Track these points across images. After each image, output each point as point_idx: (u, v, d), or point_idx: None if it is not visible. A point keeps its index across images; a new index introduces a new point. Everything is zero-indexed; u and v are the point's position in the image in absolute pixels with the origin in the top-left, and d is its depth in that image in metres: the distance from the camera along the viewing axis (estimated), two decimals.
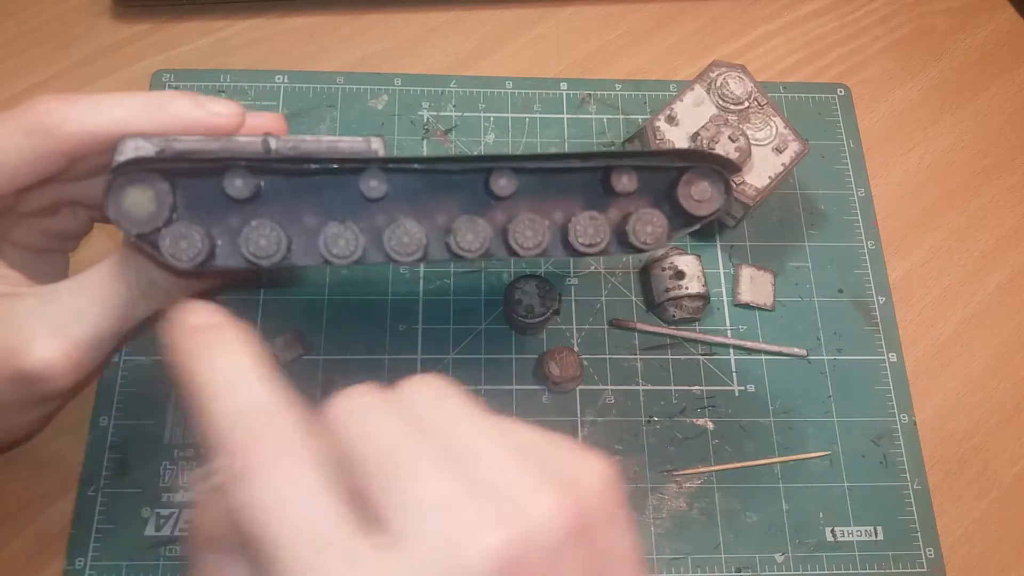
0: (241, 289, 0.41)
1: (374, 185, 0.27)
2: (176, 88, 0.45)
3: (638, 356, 0.42)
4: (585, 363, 0.41)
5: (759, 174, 0.41)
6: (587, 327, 0.42)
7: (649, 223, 0.29)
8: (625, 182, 0.29)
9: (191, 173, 0.27)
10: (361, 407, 0.21)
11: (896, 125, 0.50)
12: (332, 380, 0.39)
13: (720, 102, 0.42)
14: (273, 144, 0.27)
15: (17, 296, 0.28)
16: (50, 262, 0.34)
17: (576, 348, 0.41)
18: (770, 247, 0.45)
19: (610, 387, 0.41)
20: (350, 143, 0.27)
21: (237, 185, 0.27)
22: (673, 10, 0.52)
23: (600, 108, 0.48)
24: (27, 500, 0.37)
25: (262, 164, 0.27)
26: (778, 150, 0.42)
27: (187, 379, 0.22)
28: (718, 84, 0.42)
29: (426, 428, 0.21)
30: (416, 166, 0.27)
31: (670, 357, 0.42)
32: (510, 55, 0.49)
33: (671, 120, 0.42)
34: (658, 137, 0.41)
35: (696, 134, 0.41)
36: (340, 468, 0.20)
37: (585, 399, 0.41)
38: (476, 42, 0.50)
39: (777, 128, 0.42)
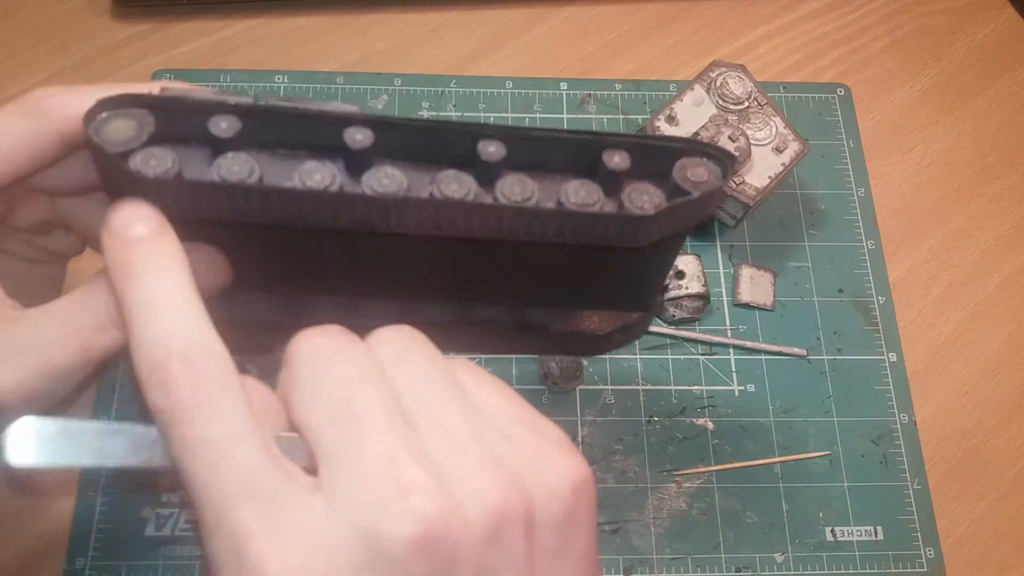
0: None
1: (359, 138, 0.27)
2: None
3: (638, 356, 0.42)
4: (585, 363, 0.41)
5: (759, 174, 0.41)
6: None
7: (645, 192, 0.28)
8: (618, 160, 0.28)
9: (177, 111, 0.26)
10: (322, 348, 0.21)
11: (896, 125, 0.50)
12: None
13: (720, 102, 0.42)
14: (263, 101, 0.27)
15: None
16: (45, 272, 0.33)
17: None
18: (770, 247, 0.45)
19: (610, 387, 0.41)
20: (339, 102, 0.27)
21: (222, 126, 0.26)
22: (673, 10, 0.52)
23: (600, 108, 0.48)
24: (27, 500, 0.37)
25: (250, 110, 0.26)
26: (778, 150, 0.42)
27: (120, 297, 0.21)
28: (718, 84, 0.42)
29: (385, 380, 0.20)
30: (401, 119, 0.27)
31: (670, 357, 0.42)
32: (510, 55, 0.49)
33: (671, 120, 0.42)
34: None
35: (696, 134, 0.41)
36: (288, 409, 0.20)
37: (585, 399, 0.41)
38: (476, 42, 0.50)
39: (777, 128, 0.42)
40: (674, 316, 0.42)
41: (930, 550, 0.39)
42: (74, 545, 0.36)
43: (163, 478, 0.22)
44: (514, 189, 0.28)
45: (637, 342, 0.42)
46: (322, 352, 0.21)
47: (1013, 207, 0.48)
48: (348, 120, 0.27)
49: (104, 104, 0.26)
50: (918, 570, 0.39)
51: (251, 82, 0.46)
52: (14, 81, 0.46)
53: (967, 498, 0.41)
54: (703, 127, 0.41)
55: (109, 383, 0.39)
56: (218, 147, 0.27)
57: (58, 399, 0.28)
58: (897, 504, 0.40)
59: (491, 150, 0.28)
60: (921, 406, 0.42)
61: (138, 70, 0.46)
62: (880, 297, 0.44)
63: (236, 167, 0.26)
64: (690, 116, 0.42)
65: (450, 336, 0.32)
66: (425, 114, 0.46)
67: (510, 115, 0.47)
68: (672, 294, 0.41)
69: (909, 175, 0.48)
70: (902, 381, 0.42)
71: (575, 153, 0.29)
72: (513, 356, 0.41)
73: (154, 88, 0.27)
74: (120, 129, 0.26)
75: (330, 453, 0.19)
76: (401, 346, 0.22)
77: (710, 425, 0.41)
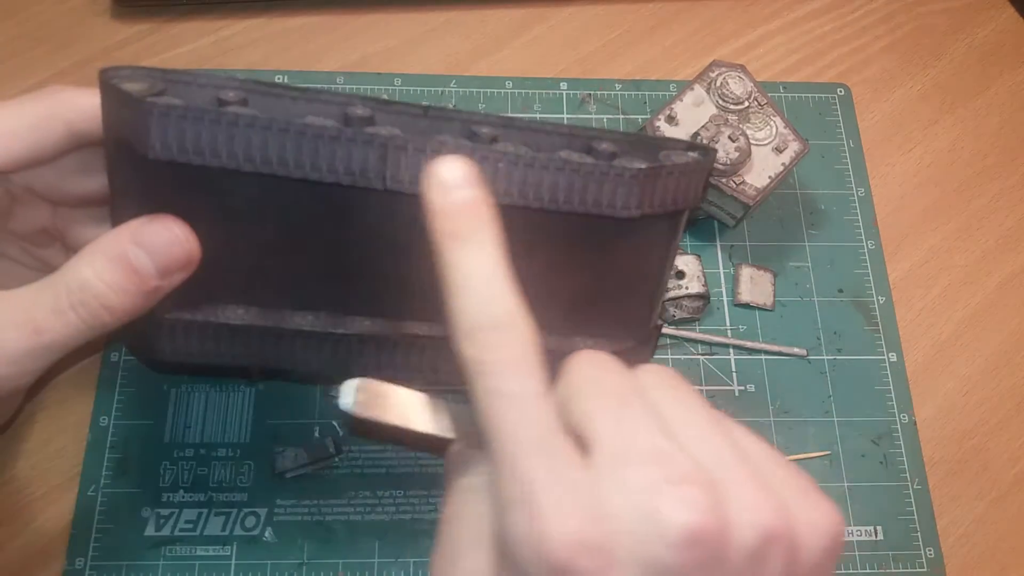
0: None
1: (360, 113, 0.28)
2: None
3: None
4: None
5: (759, 174, 0.41)
6: None
7: (632, 163, 0.30)
8: (607, 146, 0.30)
9: (186, 83, 0.28)
10: (602, 363, 0.23)
11: (896, 125, 0.50)
12: (332, 380, 0.39)
13: (720, 102, 0.42)
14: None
15: None
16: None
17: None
18: (770, 247, 0.45)
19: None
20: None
21: (229, 95, 0.28)
22: (673, 10, 0.52)
23: (600, 108, 0.48)
24: (27, 500, 0.37)
25: (255, 85, 0.28)
26: (778, 150, 0.42)
27: (443, 261, 0.22)
28: (718, 84, 0.42)
29: (652, 400, 0.22)
30: (408, 109, 0.28)
31: (670, 357, 0.42)
32: (510, 55, 0.49)
33: (671, 120, 0.42)
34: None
35: (696, 134, 0.41)
36: (566, 404, 0.22)
37: None
38: (476, 42, 0.50)
39: (777, 128, 0.42)
40: (674, 316, 0.42)
41: (930, 550, 0.39)
42: (74, 545, 0.36)
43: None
44: (508, 148, 0.29)
45: None
46: (601, 366, 0.22)
47: (1013, 207, 0.48)
48: (348, 101, 0.28)
49: (119, 69, 0.27)
50: (918, 570, 0.39)
51: None
52: (14, 81, 0.46)
53: (967, 498, 0.41)
54: (703, 127, 0.41)
55: (109, 383, 0.39)
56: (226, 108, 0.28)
57: (13, 388, 0.28)
58: (897, 504, 0.40)
59: (485, 130, 0.29)
60: (921, 406, 0.42)
61: None
62: (880, 297, 0.44)
63: (243, 111, 0.27)
64: (690, 116, 0.42)
65: (440, 356, 0.32)
66: None
67: (510, 114, 0.47)
68: (672, 294, 0.41)
69: (909, 175, 0.48)
70: (902, 381, 0.42)
71: (567, 143, 0.30)
72: None
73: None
74: (133, 87, 0.27)
75: (605, 439, 0.20)
76: (667, 377, 0.23)
77: None
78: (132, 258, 0.26)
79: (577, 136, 0.30)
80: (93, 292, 0.26)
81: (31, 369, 0.27)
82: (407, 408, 0.24)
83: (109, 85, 0.27)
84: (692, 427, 0.21)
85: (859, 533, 0.39)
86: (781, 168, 0.41)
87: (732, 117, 0.42)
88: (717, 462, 0.20)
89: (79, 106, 0.28)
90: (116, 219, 0.29)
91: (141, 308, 0.27)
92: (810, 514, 0.21)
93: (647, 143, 0.31)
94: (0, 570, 0.36)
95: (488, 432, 0.21)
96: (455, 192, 0.22)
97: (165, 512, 0.37)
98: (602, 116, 0.47)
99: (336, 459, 0.38)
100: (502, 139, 0.29)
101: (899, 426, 0.41)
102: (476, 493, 0.22)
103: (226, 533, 0.36)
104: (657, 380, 0.23)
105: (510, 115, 0.29)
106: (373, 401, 0.24)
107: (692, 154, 0.32)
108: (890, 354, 0.43)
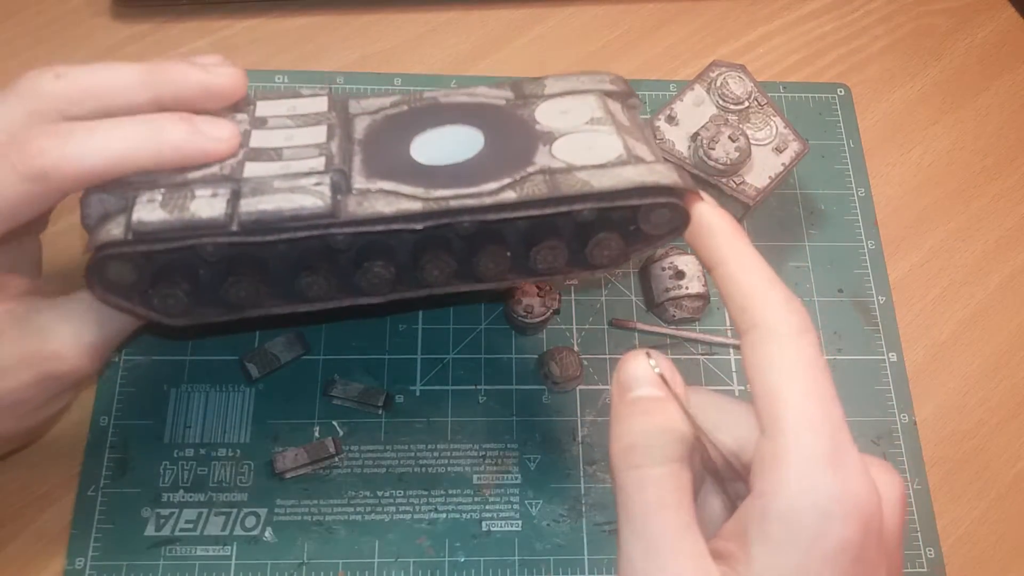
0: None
1: (340, 239, 0.29)
2: None
3: None
4: (585, 363, 0.41)
5: (759, 174, 0.41)
6: (587, 327, 0.42)
7: (606, 247, 0.31)
8: (586, 215, 0.30)
9: (165, 250, 0.28)
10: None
11: (896, 125, 0.50)
12: (332, 380, 0.39)
13: (720, 102, 0.42)
14: (236, 211, 0.28)
15: (37, 310, 0.30)
16: (24, 247, 0.34)
17: (576, 348, 0.41)
18: (770, 247, 0.45)
19: (610, 387, 0.41)
20: (311, 207, 0.27)
21: (208, 251, 0.29)
22: (673, 10, 0.52)
23: None
24: (27, 500, 0.37)
25: (228, 238, 0.28)
26: (778, 150, 0.42)
27: (732, 247, 0.27)
28: (718, 84, 0.42)
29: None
30: (378, 228, 0.28)
31: (670, 357, 0.42)
32: (510, 55, 0.49)
33: (671, 120, 0.42)
34: (658, 137, 0.41)
35: (696, 134, 0.41)
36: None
37: (585, 399, 0.41)
38: (476, 42, 0.49)
39: (777, 128, 0.42)
40: (674, 316, 0.42)
41: (930, 550, 0.39)
42: (74, 545, 0.36)
43: None
44: (488, 265, 0.31)
45: (637, 342, 0.42)
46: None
47: (1013, 207, 0.48)
48: (322, 231, 0.28)
49: (90, 267, 0.28)
50: (918, 570, 0.39)
51: (250, 82, 0.46)
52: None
53: (967, 498, 0.41)
54: (703, 127, 0.41)
55: (110, 383, 0.39)
56: (214, 265, 0.30)
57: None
58: None
59: (465, 225, 0.29)
60: (921, 406, 0.42)
61: None
62: (880, 297, 0.44)
63: (243, 293, 0.30)
64: (690, 116, 0.42)
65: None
66: None
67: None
68: (672, 294, 0.41)
69: (909, 175, 0.48)
70: (902, 381, 0.42)
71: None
72: (513, 356, 0.41)
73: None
74: (121, 274, 0.29)
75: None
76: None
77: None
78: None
79: (558, 202, 0.29)
80: None
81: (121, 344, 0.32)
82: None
83: (105, 299, 0.29)
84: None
85: None
86: (781, 168, 0.41)
87: (732, 117, 0.42)
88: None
89: (69, 175, 0.27)
90: None
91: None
92: (888, 486, 0.24)
93: (627, 202, 0.29)
94: (1, 570, 0.36)
95: (802, 395, 0.24)
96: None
97: (165, 512, 0.37)
98: None
99: (336, 459, 0.38)
100: (479, 231, 0.30)
101: (899, 426, 0.41)
102: (678, 476, 0.24)
103: (226, 533, 0.36)
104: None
105: (480, 204, 0.28)
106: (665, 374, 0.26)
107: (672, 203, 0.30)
108: (890, 354, 0.43)
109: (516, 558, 0.37)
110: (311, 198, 0.27)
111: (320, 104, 0.33)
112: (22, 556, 0.36)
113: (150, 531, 0.36)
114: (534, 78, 0.36)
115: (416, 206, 0.28)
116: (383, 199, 0.28)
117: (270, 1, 0.49)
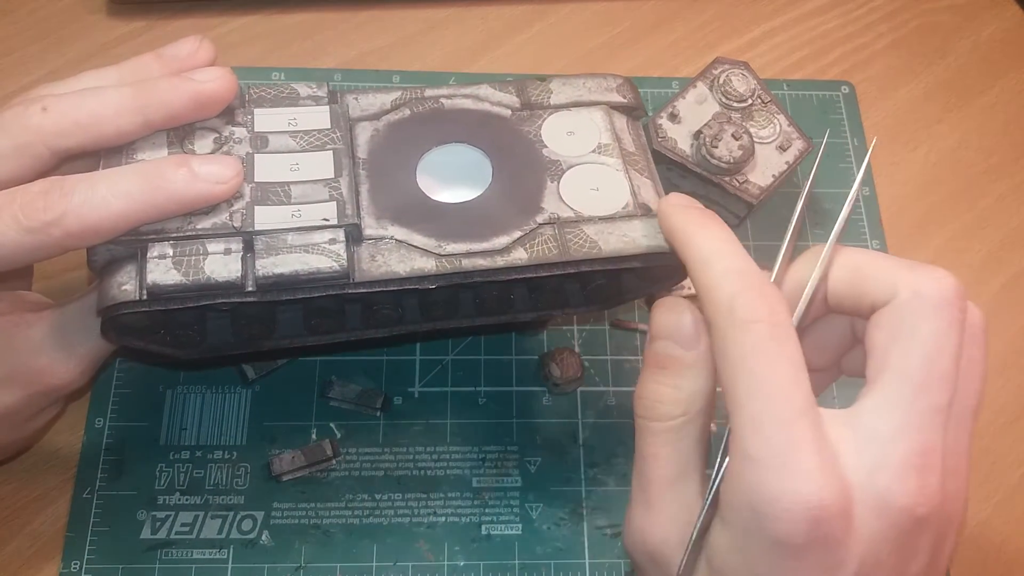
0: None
1: (353, 295, 0.29)
2: None
3: (640, 357, 0.41)
4: (586, 364, 0.41)
5: (762, 172, 0.41)
6: (588, 328, 0.42)
7: (604, 290, 0.33)
8: (592, 275, 0.32)
9: (181, 309, 0.28)
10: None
11: (901, 123, 0.49)
12: (329, 382, 0.39)
13: (723, 100, 0.42)
14: (252, 270, 0.28)
15: (27, 324, 0.30)
16: None
17: (577, 349, 0.41)
18: (773, 246, 0.44)
19: (611, 388, 0.41)
20: (328, 270, 0.28)
21: (224, 308, 0.30)
22: (675, 7, 0.51)
23: None
24: (22, 503, 0.37)
25: (242, 299, 0.28)
26: (782, 148, 0.41)
27: (686, 246, 0.27)
28: (721, 81, 0.42)
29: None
30: (389, 288, 0.29)
31: None
32: (510, 52, 0.49)
33: (673, 118, 0.41)
34: (660, 135, 0.41)
35: (699, 132, 0.40)
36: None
37: (586, 400, 0.40)
38: (475, 39, 0.49)
39: (781, 126, 0.42)
40: None
41: None
42: (69, 548, 0.35)
43: None
44: (491, 306, 0.33)
45: (639, 343, 0.42)
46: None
47: (1019, 206, 0.47)
48: (335, 293, 0.29)
49: (105, 324, 0.29)
50: None
51: (248, 79, 0.46)
52: (9, 79, 0.45)
53: (972, 501, 0.40)
54: (706, 125, 0.40)
55: (105, 385, 0.39)
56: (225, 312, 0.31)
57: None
58: None
59: (475, 281, 0.30)
60: None
61: None
62: None
63: (255, 328, 0.31)
64: (693, 114, 0.41)
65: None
66: None
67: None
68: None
69: (914, 174, 0.48)
70: None
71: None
72: (513, 357, 0.41)
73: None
74: (135, 323, 0.29)
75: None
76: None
77: (712, 427, 0.40)
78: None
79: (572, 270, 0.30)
80: None
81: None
82: None
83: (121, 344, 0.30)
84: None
85: None
86: (785, 166, 0.41)
87: (735, 115, 0.41)
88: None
89: (72, 232, 0.27)
90: None
91: None
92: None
93: (631, 264, 0.31)
94: None
95: (745, 391, 0.23)
96: (680, 202, 0.29)
97: (161, 515, 0.36)
98: None
99: (333, 462, 0.38)
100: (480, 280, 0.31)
101: None
102: (676, 433, 0.26)
103: (222, 536, 0.36)
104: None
105: (479, 268, 0.30)
106: None
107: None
108: None
109: (516, 562, 0.37)
110: (326, 260, 0.28)
111: (322, 117, 0.32)
112: (17, 559, 0.36)
113: (146, 534, 0.36)
114: (539, 78, 0.35)
115: (429, 264, 0.29)
116: (396, 255, 0.29)
117: None
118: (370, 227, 0.30)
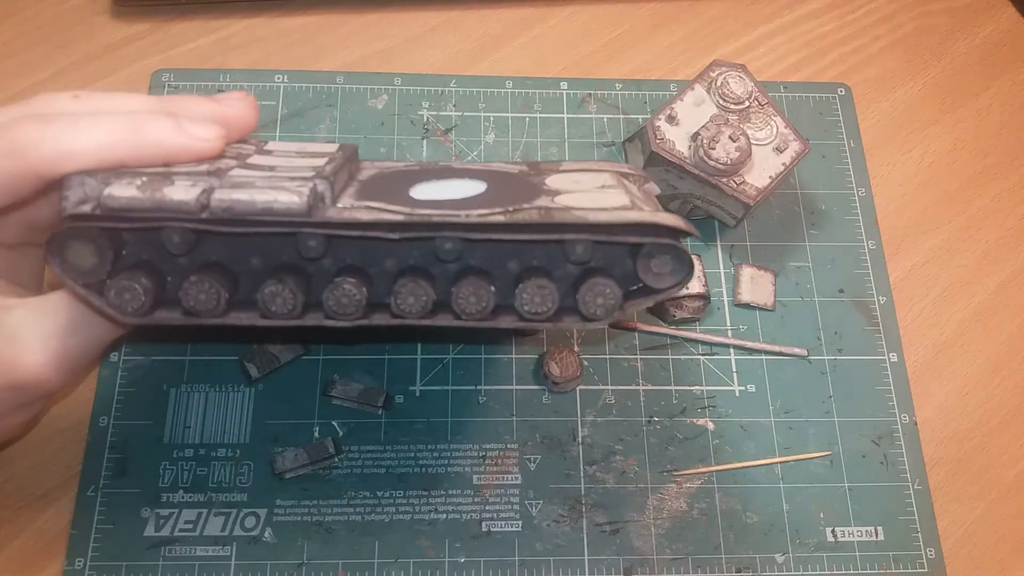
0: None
1: (312, 245, 0.27)
2: (176, 88, 0.45)
3: (638, 356, 0.42)
4: (585, 363, 0.41)
5: (760, 174, 0.41)
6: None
7: (600, 294, 0.28)
8: (580, 251, 0.28)
9: (130, 228, 0.27)
10: None
11: (897, 125, 0.49)
12: (332, 380, 0.39)
13: (721, 102, 0.42)
14: (209, 199, 0.26)
15: (5, 308, 0.28)
16: (27, 256, 0.33)
17: (576, 348, 0.41)
18: (771, 247, 0.45)
19: (610, 387, 0.41)
20: (287, 202, 0.26)
21: (175, 241, 0.27)
22: (673, 10, 0.52)
23: (600, 108, 0.47)
24: (27, 500, 0.37)
25: (196, 224, 0.26)
26: (779, 150, 0.42)
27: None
28: (718, 84, 0.42)
29: None
30: (354, 233, 0.27)
31: (670, 357, 0.42)
32: (510, 55, 0.49)
33: (671, 120, 0.42)
34: (658, 137, 0.41)
35: (696, 134, 0.41)
36: None
37: (585, 399, 0.41)
38: (476, 42, 0.49)
39: (778, 128, 0.42)
40: (674, 316, 0.42)
41: (931, 550, 0.39)
42: (73, 545, 0.36)
43: None
44: (470, 300, 0.28)
45: (638, 342, 0.42)
46: None
47: (1014, 207, 0.48)
48: (293, 229, 0.27)
49: (54, 233, 0.27)
50: (919, 570, 0.39)
51: (251, 82, 0.46)
52: (13, 81, 0.46)
53: (968, 498, 0.41)
54: (703, 127, 0.41)
55: (109, 383, 0.39)
56: (179, 260, 0.28)
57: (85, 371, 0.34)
58: (898, 504, 0.40)
59: (448, 247, 0.28)
60: (922, 406, 0.42)
61: (138, 70, 0.46)
62: (881, 297, 0.44)
63: (203, 296, 0.27)
64: (690, 116, 0.42)
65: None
66: (425, 115, 0.46)
67: (510, 114, 0.47)
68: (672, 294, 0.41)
69: (910, 175, 0.48)
70: (903, 381, 0.42)
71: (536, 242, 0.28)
72: (513, 356, 0.41)
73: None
74: (82, 255, 0.27)
75: None
76: None
77: (710, 425, 0.41)
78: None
79: (549, 239, 0.27)
80: None
81: (100, 355, 0.34)
82: None
83: (62, 276, 0.27)
84: None
85: (860, 534, 0.39)
86: (782, 168, 0.41)
87: (733, 117, 0.42)
88: None
89: (47, 155, 0.27)
90: None
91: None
92: None
93: (625, 238, 0.27)
94: (0, 570, 0.36)
95: None
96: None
97: (165, 512, 0.37)
98: (602, 116, 0.47)
99: (336, 459, 0.38)
100: (465, 255, 0.28)
101: (900, 426, 0.41)
102: None
103: (226, 533, 0.36)
104: None
105: (470, 221, 0.26)
106: None
107: (668, 259, 0.28)
108: (891, 354, 0.43)
109: (516, 559, 0.37)
110: (288, 195, 0.26)
111: (330, 147, 0.33)
112: (21, 556, 0.36)
113: (150, 531, 0.36)
114: (551, 161, 0.35)
115: (398, 218, 0.26)
116: (365, 212, 0.27)
117: (270, 0, 0.49)
118: (345, 202, 0.28)
